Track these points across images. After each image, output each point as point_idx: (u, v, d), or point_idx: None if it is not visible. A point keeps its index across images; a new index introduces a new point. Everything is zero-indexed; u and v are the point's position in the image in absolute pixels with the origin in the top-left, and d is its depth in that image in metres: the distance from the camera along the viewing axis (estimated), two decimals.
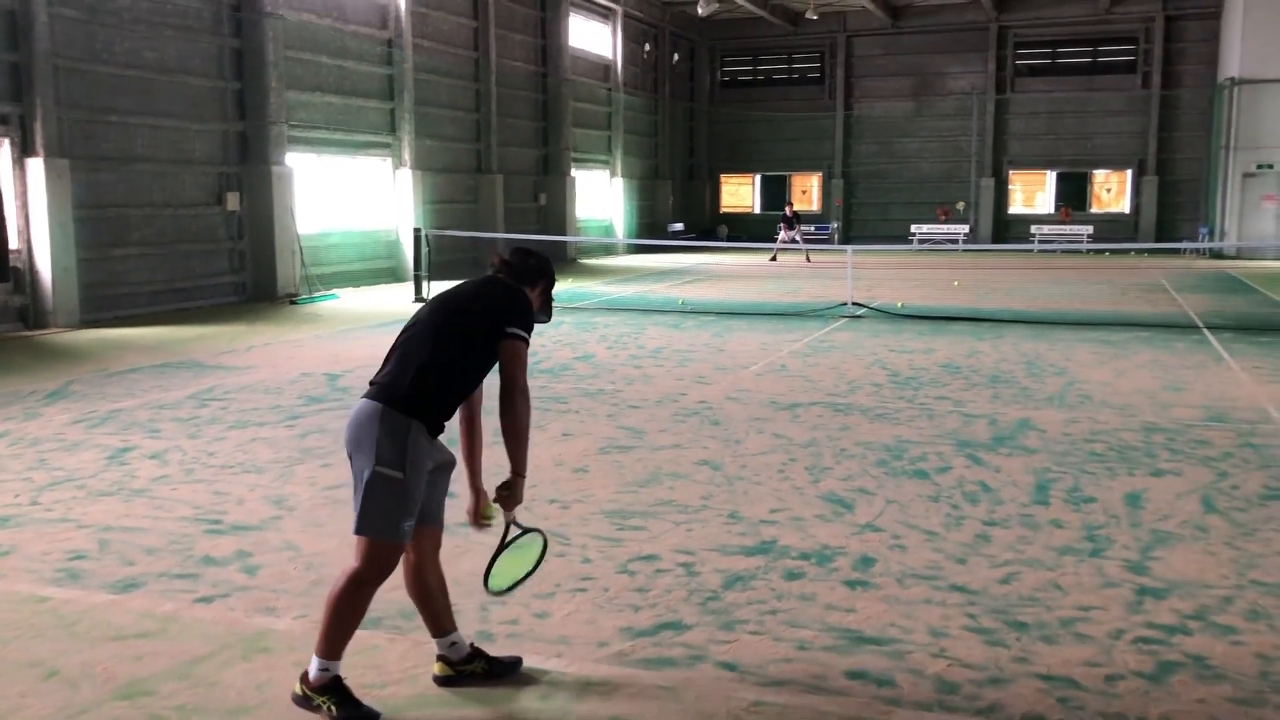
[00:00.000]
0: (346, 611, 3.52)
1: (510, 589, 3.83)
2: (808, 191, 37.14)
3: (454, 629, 3.83)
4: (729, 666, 3.97)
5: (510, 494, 3.64)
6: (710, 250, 31.69)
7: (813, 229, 33.92)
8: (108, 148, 15.12)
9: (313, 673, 3.53)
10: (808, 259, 27.66)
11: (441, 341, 3.58)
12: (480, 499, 3.82)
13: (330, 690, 3.50)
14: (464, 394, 3.67)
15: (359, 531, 3.48)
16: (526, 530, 3.81)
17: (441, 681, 3.81)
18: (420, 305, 3.75)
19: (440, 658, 3.83)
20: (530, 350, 3.70)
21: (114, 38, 15.12)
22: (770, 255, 28.30)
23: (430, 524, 3.71)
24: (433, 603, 3.78)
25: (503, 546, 3.77)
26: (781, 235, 27.80)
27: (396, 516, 3.46)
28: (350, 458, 3.55)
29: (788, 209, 29.10)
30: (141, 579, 4.86)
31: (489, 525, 3.82)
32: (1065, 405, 8.95)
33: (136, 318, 15.14)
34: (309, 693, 3.52)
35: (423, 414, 3.51)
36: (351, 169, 20.69)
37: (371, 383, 3.62)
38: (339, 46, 19.79)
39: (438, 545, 3.77)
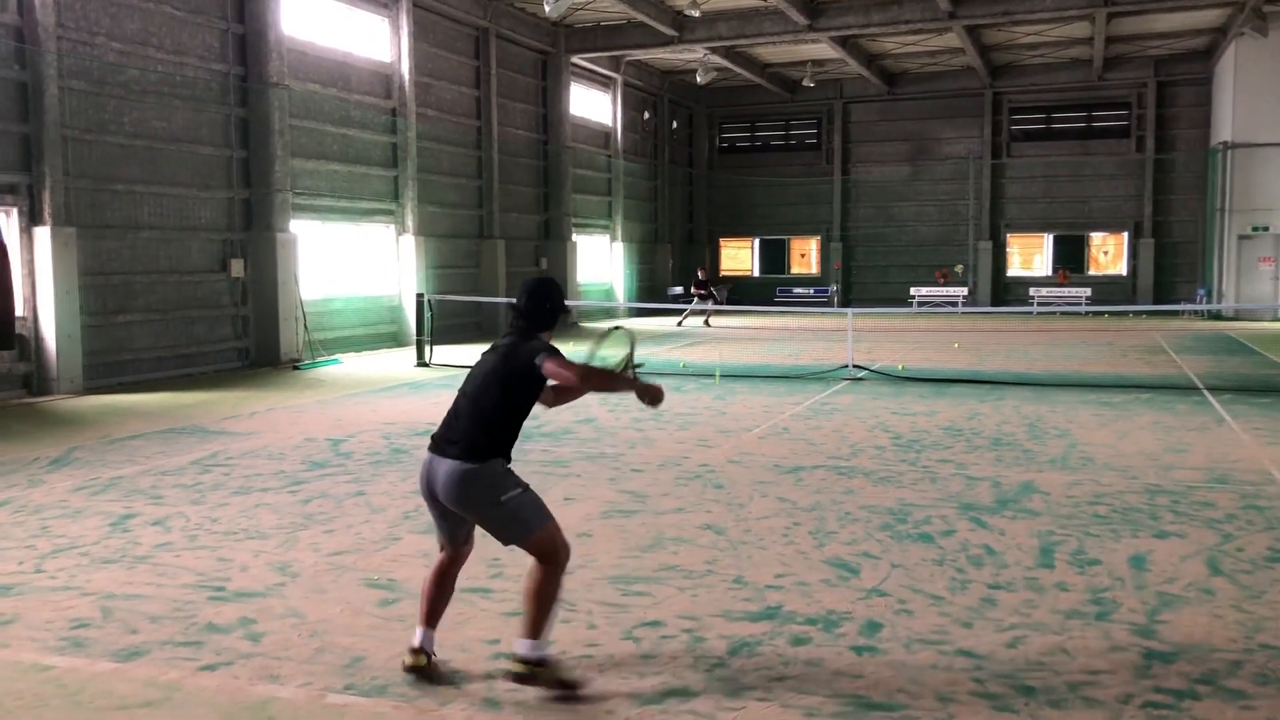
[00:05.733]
0: (548, 597, 4.22)
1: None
2: (806, 255, 37.45)
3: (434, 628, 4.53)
4: None
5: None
6: (710, 313, 31.79)
7: (810, 291, 34.10)
8: (114, 216, 15.29)
9: (529, 652, 4.19)
10: (706, 323, 27.94)
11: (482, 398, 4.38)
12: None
13: (546, 663, 4.22)
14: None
15: (523, 542, 4.24)
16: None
17: (412, 670, 4.39)
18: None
19: (419, 650, 4.40)
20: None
21: (123, 109, 15.37)
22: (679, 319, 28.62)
23: (466, 544, 4.54)
24: (444, 597, 4.52)
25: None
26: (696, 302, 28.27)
27: (538, 509, 4.29)
28: (448, 508, 4.33)
29: (700, 272, 29.62)
30: (145, 647, 4.85)
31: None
32: (1068, 467, 8.95)
33: (140, 384, 15.19)
34: (532, 668, 4.18)
35: (499, 452, 4.33)
36: (355, 235, 20.91)
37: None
38: (344, 116, 20.10)
39: (461, 561, 4.57)
